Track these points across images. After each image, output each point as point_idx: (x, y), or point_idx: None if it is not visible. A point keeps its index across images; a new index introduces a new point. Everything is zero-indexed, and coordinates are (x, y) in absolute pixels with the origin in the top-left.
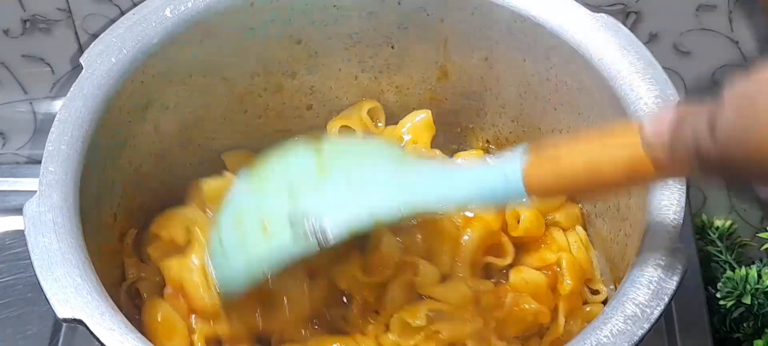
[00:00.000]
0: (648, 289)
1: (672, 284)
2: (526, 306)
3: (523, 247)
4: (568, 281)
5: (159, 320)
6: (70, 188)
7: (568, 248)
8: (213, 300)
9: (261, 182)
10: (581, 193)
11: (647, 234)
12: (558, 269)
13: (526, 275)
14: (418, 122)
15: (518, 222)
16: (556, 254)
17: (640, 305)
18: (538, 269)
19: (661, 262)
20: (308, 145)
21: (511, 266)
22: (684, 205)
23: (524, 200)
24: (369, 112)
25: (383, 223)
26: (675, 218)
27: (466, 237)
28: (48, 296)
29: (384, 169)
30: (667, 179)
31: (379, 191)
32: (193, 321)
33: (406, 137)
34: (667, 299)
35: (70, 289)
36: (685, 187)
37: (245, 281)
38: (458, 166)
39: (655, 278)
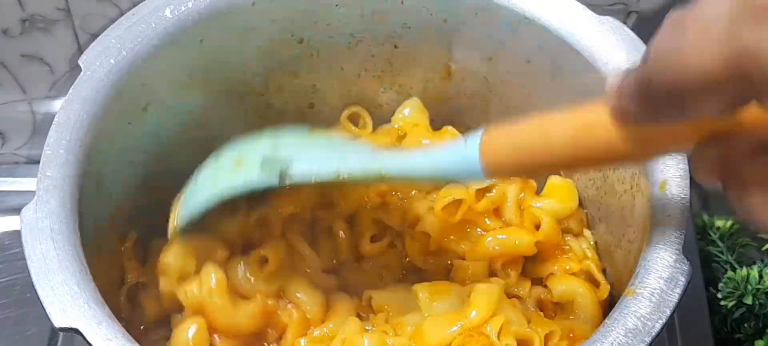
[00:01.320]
0: (650, 301)
1: (674, 296)
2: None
3: (539, 257)
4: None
5: None
6: (67, 193)
7: (585, 255)
8: (235, 319)
9: (248, 141)
10: (539, 166)
11: (650, 243)
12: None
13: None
14: (410, 110)
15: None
16: (579, 263)
17: (642, 318)
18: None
19: (663, 274)
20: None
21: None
22: (687, 215)
23: (480, 174)
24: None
25: (344, 179)
26: (678, 228)
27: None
28: (44, 305)
29: (358, 145)
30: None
31: (348, 155)
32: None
33: (397, 126)
34: (669, 312)
35: (67, 297)
36: (688, 195)
37: (205, 205)
38: (423, 147)
39: (657, 291)
